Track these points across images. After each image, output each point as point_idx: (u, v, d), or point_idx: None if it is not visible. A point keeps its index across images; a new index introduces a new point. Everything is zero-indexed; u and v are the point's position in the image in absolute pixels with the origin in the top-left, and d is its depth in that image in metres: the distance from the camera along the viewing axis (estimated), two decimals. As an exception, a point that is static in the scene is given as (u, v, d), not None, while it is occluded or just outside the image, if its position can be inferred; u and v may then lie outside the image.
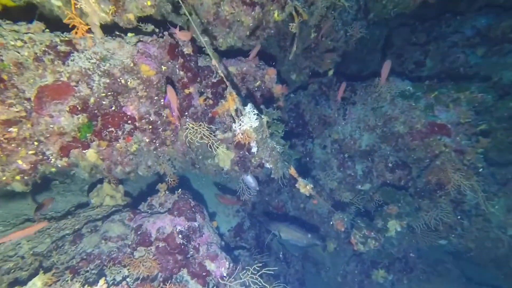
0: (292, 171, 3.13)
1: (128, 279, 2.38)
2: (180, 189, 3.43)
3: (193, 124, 2.94)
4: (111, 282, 2.25)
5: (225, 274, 3.15)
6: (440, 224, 4.38)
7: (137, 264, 2.53)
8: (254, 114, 2.64)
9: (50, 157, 2.45)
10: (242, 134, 2.67)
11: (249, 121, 2.63)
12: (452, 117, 4.16)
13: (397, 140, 4.79)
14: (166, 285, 2.37)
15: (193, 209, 3.23)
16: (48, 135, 2.39)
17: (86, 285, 1.95)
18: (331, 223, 3.68)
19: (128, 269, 2.49)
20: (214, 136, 3.56)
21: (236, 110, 2.63)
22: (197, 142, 3.78)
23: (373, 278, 4.93)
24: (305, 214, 6.00)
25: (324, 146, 5.68)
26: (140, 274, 2.53)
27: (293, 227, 4.90)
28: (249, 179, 4.13)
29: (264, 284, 2.91)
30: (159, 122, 2.79)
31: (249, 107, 2.63)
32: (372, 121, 4.97)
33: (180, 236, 2.94)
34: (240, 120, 2.64)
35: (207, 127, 3.06)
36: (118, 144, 2.59)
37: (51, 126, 2.34)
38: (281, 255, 6.60)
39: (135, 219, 2.97)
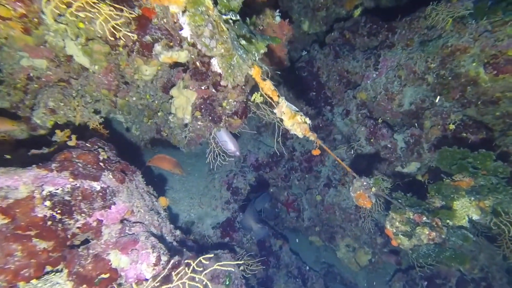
0: (267, 85, 1.63)
1: None
2: (94, 138, 2.08)
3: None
4: None
5: (147, 275, 1.71)
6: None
7: None
8: None
9: None
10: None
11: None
12: None
13: (463, 88, 3.05)
14: None
15: (100, 163, 1.85)
16: None
17: None
18: (351, 194, 2.06)
19: None
20: (152, 55, 2.21)
21: None
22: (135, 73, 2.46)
23: (431, 309, 3.08)
24: (323, 210, 4.32)
25: (347, 112, 4.05)
26: None
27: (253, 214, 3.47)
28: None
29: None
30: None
31: None
32: (421, 64, 3.28)
33: (46, 204, 1.56)
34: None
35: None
36: None
37: None
38: (294, 269, 4.94)
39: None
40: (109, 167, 1.89)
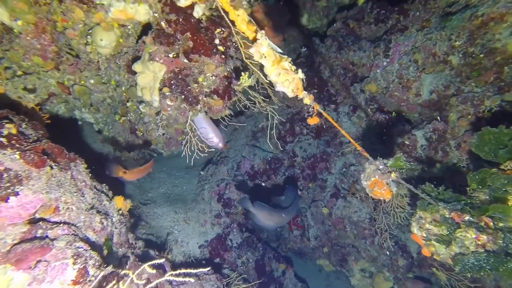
0: (240, 16, 1.12)
1: None
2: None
3: None
4: None
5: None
6: None
7: None
8: None
9: None
10: None
11: None
12: None
13: (499, 67, 2.50)
14: None
15: (1, 139, 1.32)
16: None
17: None
18: (363, 182, 1.44)
19: None
20: (96, 5, 1.74)
21: None
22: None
23: None
24: (331, 225, 3.64)
25: (354, 109, 3.50)
26: None
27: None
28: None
29: None
30: None
31: None
32: (442, 44, 2.76)
33: None
34: None
35: None
36: None
37: None
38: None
39: None
40: (17, 145, 1.34)
